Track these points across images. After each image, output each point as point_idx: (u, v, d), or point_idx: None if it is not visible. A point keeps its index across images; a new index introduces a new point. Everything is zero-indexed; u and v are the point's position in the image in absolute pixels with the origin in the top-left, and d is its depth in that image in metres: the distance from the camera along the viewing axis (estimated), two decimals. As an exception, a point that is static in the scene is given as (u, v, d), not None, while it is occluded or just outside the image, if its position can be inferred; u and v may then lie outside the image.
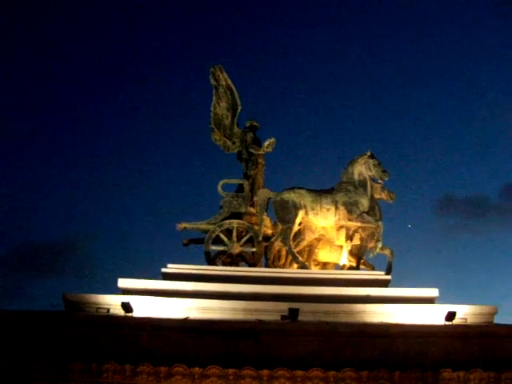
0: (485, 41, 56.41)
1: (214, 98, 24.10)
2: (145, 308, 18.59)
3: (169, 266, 21.60)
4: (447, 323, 18.53)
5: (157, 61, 60.48)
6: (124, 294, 19.75)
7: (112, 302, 18.91)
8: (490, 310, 19.83)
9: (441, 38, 57.33)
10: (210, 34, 57.36)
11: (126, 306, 18.21)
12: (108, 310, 18.85)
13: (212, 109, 24.13)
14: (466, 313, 19.20)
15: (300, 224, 22.35)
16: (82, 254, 54.50)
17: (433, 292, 20.68)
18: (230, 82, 24.03)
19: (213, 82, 24.06)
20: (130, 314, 18.21)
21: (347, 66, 57.67)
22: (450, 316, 18.54)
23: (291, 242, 22.06)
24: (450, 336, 17.78)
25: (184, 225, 22.92)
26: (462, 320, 18.90)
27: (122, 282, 20.43)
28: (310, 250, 22.85)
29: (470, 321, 19.10)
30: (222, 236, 22.46)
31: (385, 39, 58.14)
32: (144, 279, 20.54)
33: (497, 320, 19.86)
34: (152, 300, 19.08)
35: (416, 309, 19.43)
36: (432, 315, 19.03)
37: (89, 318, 18.19)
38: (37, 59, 55.53)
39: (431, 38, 57.97)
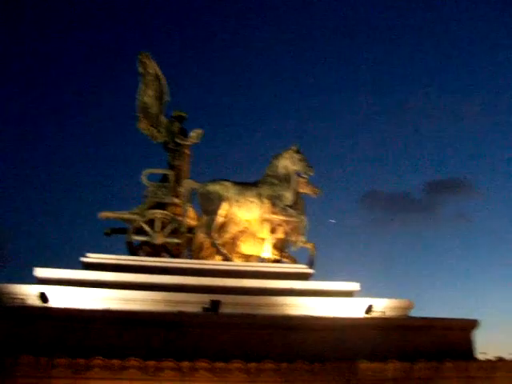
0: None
1: (141, 85, 23.61)
2: (63, 298, 18.02)
3: (88, 255, 21.03)
4: (366, 316, 19.00)
5: (81, 47, 58.88)
6: (40, 283, 19.07)
7: (27, 292, 18.21)
8: (407, 304, 20.52)
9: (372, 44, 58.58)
10: (140, 23, 56.29)
11: (43, 297, 17.59)
12: (23, 300, 18.15)
13: (139, 97, 23.62)
14: (384, 306, 19.81)
15: (225, 217, 22.31)
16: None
17: (353, 286, 21.16)
18: (158, 70, 23.60)
19: (141, 69, 23.55)
20: (46, 305, 17.61)
21: (278, 60, 58.19)
22: (369, 309, 19.06)
23: (215, 234, 22.00)
24: (368, 328, 18.26)
25: (106, 214, 22.39)
26: (380, 313, 19.46)
27: (39, 272, 19.71)
28: (234, 242, 22.84)
29: (388, 314, 19.68)
30: (145, 226, 22.13)
31: (317, 40, 58.81)
32: (62, 268, 19.91)
33: (414, 313, 20.61)
34: (71, 290, 18.50)
35: (336, 302, 19.81)
36: (352, 308, 19.47)
37: (2, 308, 17.45)
38: None
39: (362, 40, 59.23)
